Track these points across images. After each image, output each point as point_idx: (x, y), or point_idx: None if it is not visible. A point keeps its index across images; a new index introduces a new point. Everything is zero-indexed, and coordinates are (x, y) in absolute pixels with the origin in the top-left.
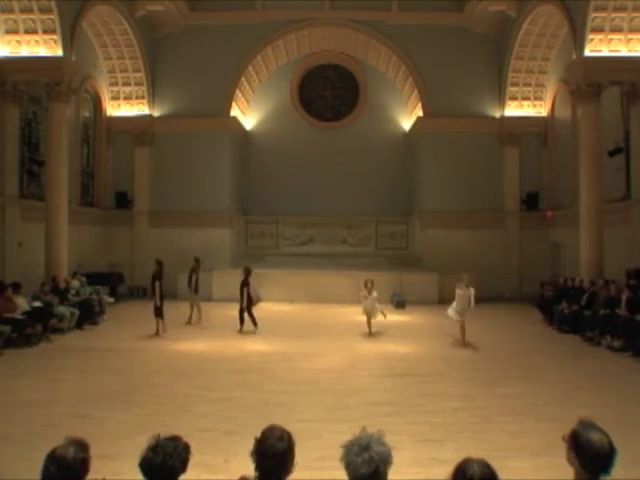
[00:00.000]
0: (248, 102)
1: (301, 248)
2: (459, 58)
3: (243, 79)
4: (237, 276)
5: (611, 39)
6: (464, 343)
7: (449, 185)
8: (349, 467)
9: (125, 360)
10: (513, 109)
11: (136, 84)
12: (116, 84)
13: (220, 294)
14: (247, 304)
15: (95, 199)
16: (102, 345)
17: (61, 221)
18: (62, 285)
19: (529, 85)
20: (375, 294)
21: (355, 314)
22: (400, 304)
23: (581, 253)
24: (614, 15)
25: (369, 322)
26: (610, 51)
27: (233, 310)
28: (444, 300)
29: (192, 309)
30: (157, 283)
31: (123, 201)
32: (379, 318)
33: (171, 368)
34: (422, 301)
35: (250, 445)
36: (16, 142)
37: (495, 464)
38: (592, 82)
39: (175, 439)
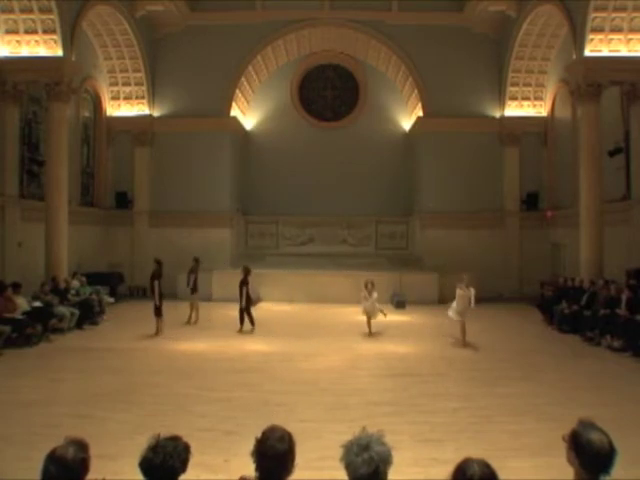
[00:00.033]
0: (248, 102)
1: (301, 248)
2: (459, 58)
3: (243, 79)
4: (237, 276)
5: (611, 39)
6: (464, 343)
7: (449, 185)
8: (349, 467)
9: (125, 360)
10: (513, 109)
11: (136, 84)
12: (116, 84)
13: (220, 294)
14: (246, 303)
15: (95, 199)
16: (102, 345)
17: (61, 221)
18: (62, 285)
19: (529, 85)
20: (375, 295)
21: (355, 314)
22: (400, 304)
23: (581, 253)
24: (614, 15)
25: (369, 322)
26: (610, 51)
27: (233, 310)
28: (444, 300)
29: (192, 309)
30: (156, 282)
31: (123, 201)
32: (379, 318)
33: (171, 368)
34: (422, 301)
35: (250, 445)
36: (16, 142)
37: (495, 464)
38: (592, 82)
39: (175, 439)
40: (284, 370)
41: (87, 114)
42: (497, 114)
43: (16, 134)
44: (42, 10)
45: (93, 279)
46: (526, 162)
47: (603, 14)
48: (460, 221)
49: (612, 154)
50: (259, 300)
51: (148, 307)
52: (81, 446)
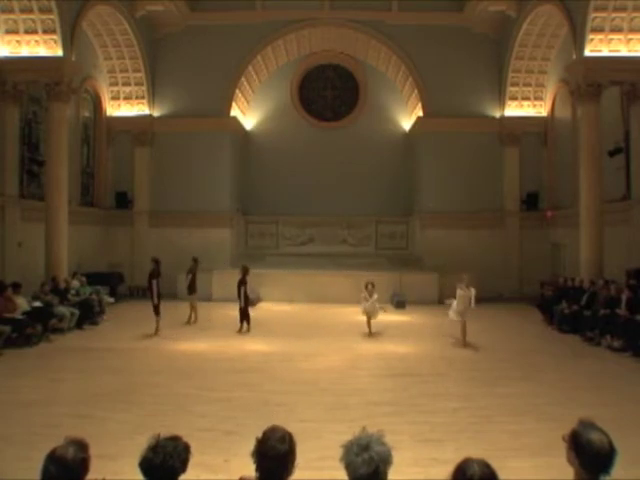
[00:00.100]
0: (248, 102)
1: (301, 248)
2: (459, 58)
3: (243, 79)
4: (237, 276)
5: (611, 39)
6: (464, 343)
7: (449, 185)
8: (349, 467)
9: (125, 360)
10: (513, 109)
11: (136, 84)
12: (116, 84)
13: (220, 294)
14: (244, 303)
15: (95, 199)
16: (102, 345)
17: (61, 221)
18: (62, 285)
19: (529, 85)
20: (376, 296)
21: (355, 314)
22: (400, 304)
23: (581, 253)
24: (614, 15)
25: (369, 322)
26: (610, 51)
27: (233, 310)
28: (444, 302)
29: (191, 309)
30: (154, 282)
31: (123, 201)
32: (380, 317)
33: (171, 368)
34: (422, 301)
35: (250, 445)
36: (16, 142)
37: (495, 464)
38: (592, 82)
39: (175, 439)
40: (284, 370)
41: (87, 114)
42: (497, 114)
43: (16, 134)
44: (42, 10)
45: (93, 279)
46: (526, 162)
47: (603, 14)
48: (460, 221)
49: (612, 154)
50: (259, 300)
51: (148, 307)
52: (81, 446)
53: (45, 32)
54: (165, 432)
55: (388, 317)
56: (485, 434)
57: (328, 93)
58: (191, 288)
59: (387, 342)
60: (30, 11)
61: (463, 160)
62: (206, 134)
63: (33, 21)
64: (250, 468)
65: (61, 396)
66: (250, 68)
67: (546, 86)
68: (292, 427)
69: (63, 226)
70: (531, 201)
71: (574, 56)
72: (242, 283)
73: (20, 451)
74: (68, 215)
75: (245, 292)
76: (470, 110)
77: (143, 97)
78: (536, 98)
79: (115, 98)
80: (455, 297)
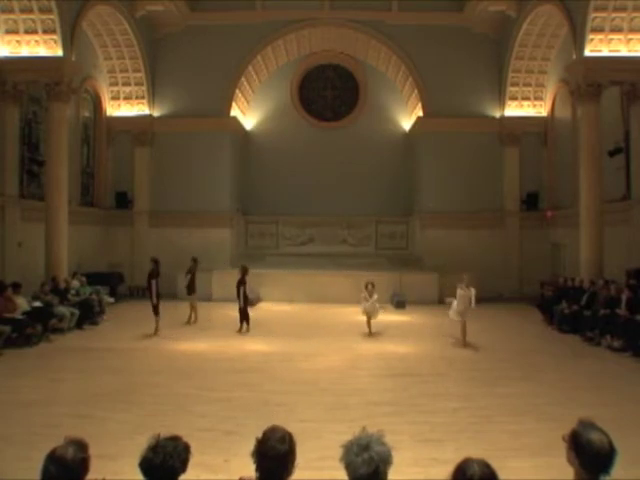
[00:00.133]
0: (248, 102)
1: (301, 248)
2: (459, 58)
3: (243, 79)
4: (237, 276)
5: (611, 39)
6: (465, 343)
7: (449, 185)
8: (349, 467)
9: (125, 360)
10: (513, 109)
11: (136, 84)
12: (116, 84)
13: (220, 294)
14: (243, 303)
15: (95, 199)
16: (102, 345)
17: (61, 221)
18: (62, 285)
19: (529, 85)
20: (376, 296)
21: (355, 314)
22: (400, 304)
23: (581, 253)
24: (614, 15)
25: (369, 322)
26: (610, 51)
27: (233, 310)
28: (444, 301)
29: (191, 309)
30: (153, 281)
31: (123, 201)
32: (380, 317)
33: (171, 368)
34: (422, 301)
35: (250, 445)
36: (16, 142)
37: (495, 464)
38: (592, 82)
39: (175, 439)
40: (284, 370)
41: (87, 114)
42: (497, 114)
43: (16, 134)
44: (42, 10)
45: (93, 279)
46: (526, 162)
47: (603, 14)
48: (460, 221)
49: (612, 154)
50: (259, 300)
51: (148, 307)
52: (81, 446)
53: (45, 32)
54: (165, 432)
55: (388, 317)
56: (485, 434)
57: (328, 93)
58: (190, 288)
59: (387, 342)
60: (30, 11)
61: (463, 160)
62: (206, 134)
63: (33, 21)
64: (250, 468)
65: (61, 396)
66: (250, 68)
67: (546, 86)
68: (292, 427)
69: (63, 226)
70: (531, 201)
71: (574, 56)
72: (241, 283)
73: (20, 451)
74: (68, 215)
75: (244, 292)
76: (470, 110)
77: (143, 97)
78: (536, 98)
79: (115, 98)
80: (455, 296)
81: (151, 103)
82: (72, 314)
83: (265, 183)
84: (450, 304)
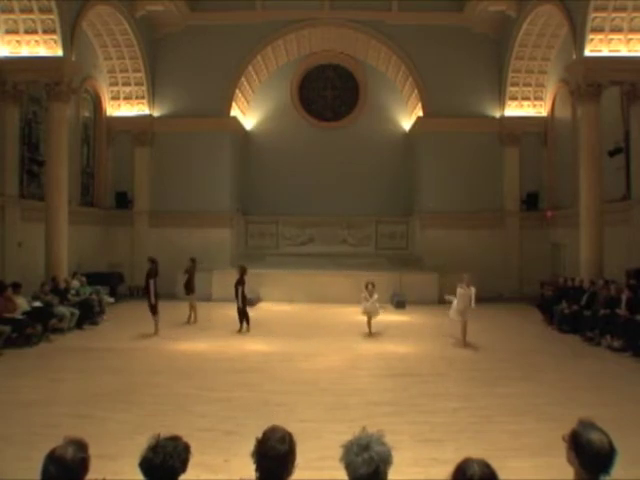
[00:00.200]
0: (248, 102)
1: (301, 248)
2: (459, 58)
3: (243, 79)
4: (237, 276)
5: (611, 39)
6: (465, 343)
7: (449, 185)
8: (349, 467)
9: (125, 360)
10: (513, 109)
11: (136, 84)
12: (116, 84)
13: (220, 294)
14: (242, 303)
15: (95, 199)
16: (102, 345)
17: (61, 221)
18: (62, 285)
19: (529, 85)
20: (376, 296)
21: (355, 314)
22: (400, 304)
23: (581, 253)
24: (614, 15)
25: (369, 322)
26: (610, 51)
27: (233, 310)
28: (444, 300)
29: (191, 309)
30: (151, 281)
31: (123, 201)
32: (380, 317)
33: (171, 368)
34: (422, 301)
35: (250, 445)
36: (16, 142)
37: (495, 464)
38: (592, 82)
39: (175, 439)
40: (284, 370)
41: (87, 114)
42: (497, 114)
43: (16, 134)
44: (42, 10)
45: (93, 279)
46: (526, 162)
47: (603, 14)
48: (460, 221)
49: (612, 154)
50: (259, 300)
51: (147, 307)
52: (80, 446)
53: (45, 32)
54: (165, 432)
55: (388, 317)
56: (485, 434)
57: (328, 93)
58: (188, 288)
59: (387, 342)
60: (30, 11)
61: (463, 160)
62: (206, 134)
63: (33, 21)
64: (250, 468)
65: (61, 396)
66: (250, 68)
67: (546, 86)
68: (292, 427)
69: (63, 226)
70: (531, 201)
71: (574, 56)
72: (239, 283)
73: (20, 451)
74: (68, 215)
75: (243, 292)
76: (470, 110)
77: (143, 97)
78: (536, 98)
79: (115, 98)
80: (455, 295)
81: (151, 103)
82: (72, 314)
83: (265, 183)
84: (450, 302)
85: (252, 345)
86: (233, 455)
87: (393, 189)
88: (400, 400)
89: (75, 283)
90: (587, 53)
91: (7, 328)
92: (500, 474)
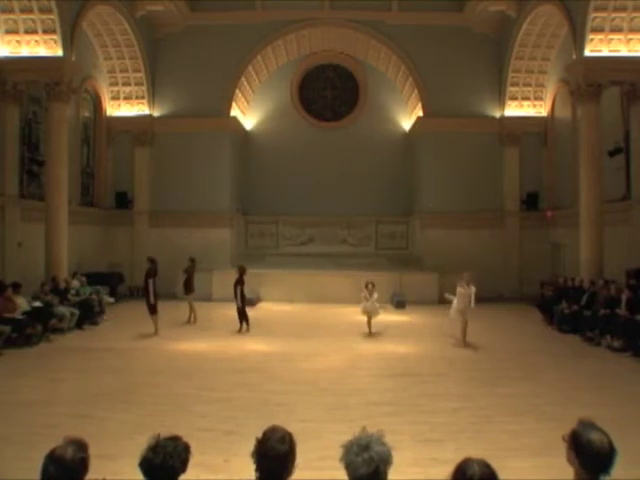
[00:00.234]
0: (248, 102)
1: (301, 248)
2: (459, 58)
3: (243, 79)
4: (236, 276)
5: (611, 39)
6: (465, 343)
7: (449, 185)
8: (349, 467)
9: (125, 360)
10: (513, 109)
11: (136, 84)
12: (116, 84)
13: (220, 294)
14: (241, 303)
15: (95, 199)
16: (102, 345)
17: (61, 221)
18: (62, 285)
19: (529, 85)
20: (376, 296)
21: (355, 314)
22: (400, 304)
23: (581, 253)
24: (614, 15)
25: (369, 322)
26: (610, 51)
27: (233, 310)
28: (444, 300)
29: (190, 309)
30: (150, 281)
31: (123, 201)
32: (379, 317)
33: (171, 368)
34: (422, 301)
35: (250, 445)
36: (16, 142)
37: (495, 464)
38: (592, 82)
39: (175, 439)
40: (284, 370)
41: (87, 114)
42: (497, 114)
43: (16, 134)
44: (42, 10)
45: (93, 279)
46: (526, 162)
47: (603, 14)
48: (460, 221)
49: (612, 154)
50: (259, 300)
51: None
52: (80, 446)
53: (45, 32)
54: (165, 432)
55: (388, 317)
56: (485, 434)
57: (328, 93)
58: (187, 288)
59: (387, 342)
60: (30, 11)
61: (463, 160)
62: (206, 134)
63: (33, 21)
64: (250, 468)
65: (61, 396)
66: (250, 68)
67: (546, 86)
68: (292, 427)
69: (63, 226)
70: (531, 201)
71: (574, 56)
72: (238, 283)
73: (20, 451)
74: (68, 215)
75: (242, 292)
76: (470, 110)
77: (143, 97)
78: (536, 98)
79: (115, 98)
80: (455, 294)
81: (151, 103)
82: (72, 314)
83: (265, 183)
84: (450, 300)
85: (252, 345)
86: (233, 455)
87: (393, 189)
88: (400, 400)
89: (75, 283)
90: (587, 53)
91: (7, 328)
92: (500, 474)
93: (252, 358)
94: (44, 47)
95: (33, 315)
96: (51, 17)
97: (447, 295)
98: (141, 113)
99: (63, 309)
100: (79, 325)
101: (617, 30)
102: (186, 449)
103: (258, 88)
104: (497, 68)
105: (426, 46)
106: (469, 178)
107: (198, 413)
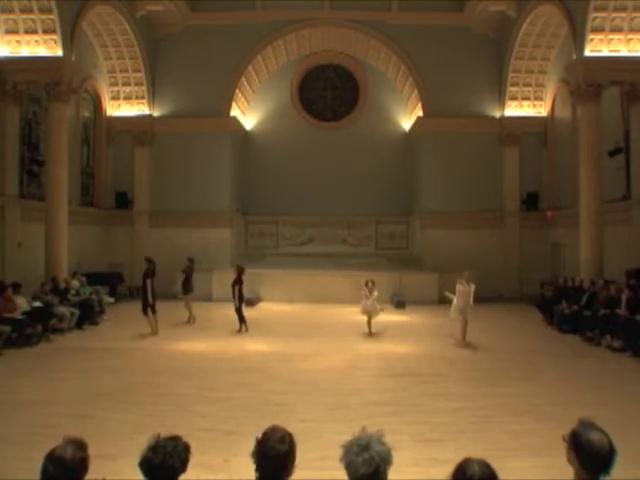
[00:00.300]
0: (248, 102)
1: (301, 248)
2: (459, 58)
3: (243, 79)
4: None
5: (611, 39)
6: (465, 343)
7: (449, 185)
8: (349, 467)
9: (125, 360)
10: (513, 109)
11: (136, 84)
12: (116, 84)
13: (220, 294)
14: (239, 303)
15: (95, 199)
16: (102, 345)
17: (61, 221)
18: (62, 285)
19: (529, 85)
20: (376, 294)
21: (355, 314)
22: (400, 304)
23: (581, 253)
24: (614, 15)
25: (369, 322)
26: (610, 51)
27: (232, 310)
28: (444, 300)
29: (190, 309)
30: (148, 281)
31: (123, 201)
32: (380, 317)
33: (171, 368)
34: (422, 301)
35: (250, 445)
36: (16, 142)
37: (495, 464)
38: (592, 82)
39: (175, 439)
40: (284, 370)
41: (87, 114)
42: (497, 114)
43: (16, 134)
44: (42, 10)
45: (93, 279)
46: (526, 162)
47: (603, 14)
48: (460, 221)
49: (612, 154)
50: (259, 300)
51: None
52: (80, 446)
53: (45, 32)
54: (165, 432)
55: (388, 317)
56: (485, 434)
57: (328, 93)
58: (185, 288)
59: (387, 342)
60: (30, 11)
61: (463, 160)
62: (206, 134)
63: (33, 21)
64: (250, 468)
65: (61, 396)
66: (250, 68)
67: (546, 86)
68: (292, 427)
69: (63, 226)
70: (531, 201)
71: (574, 56)
72: (236, 283)
73: (20, 451)
74: (68, 215)
75: (240, 292)
76: (470, 110)
77: (143, 97)
78: (536, 98)
79: (115, 98)
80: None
81: (151, 103)
82: (72, 314)
83: (265, 183)
84: (449, 299)
85: (252, 345)
86: (233, 455)
87: (393, 189)
88: (400, 400)
89: (75, 283)
90: (587, 53)
91: (7, 328)
92: (500, 474)
93: (252, 358)
94: (44, 47)
95: (33, 315)
96: (51, 17)
97: (447, 294)
98: (141, 113)
99: (63, 309)
100: (79, 325)
101: (617, 30)
102: (186, 449)
103: (258, 88)
104: (497, 68)
105: (426, 46)
106: (469, 178)
107: (198, 413)
